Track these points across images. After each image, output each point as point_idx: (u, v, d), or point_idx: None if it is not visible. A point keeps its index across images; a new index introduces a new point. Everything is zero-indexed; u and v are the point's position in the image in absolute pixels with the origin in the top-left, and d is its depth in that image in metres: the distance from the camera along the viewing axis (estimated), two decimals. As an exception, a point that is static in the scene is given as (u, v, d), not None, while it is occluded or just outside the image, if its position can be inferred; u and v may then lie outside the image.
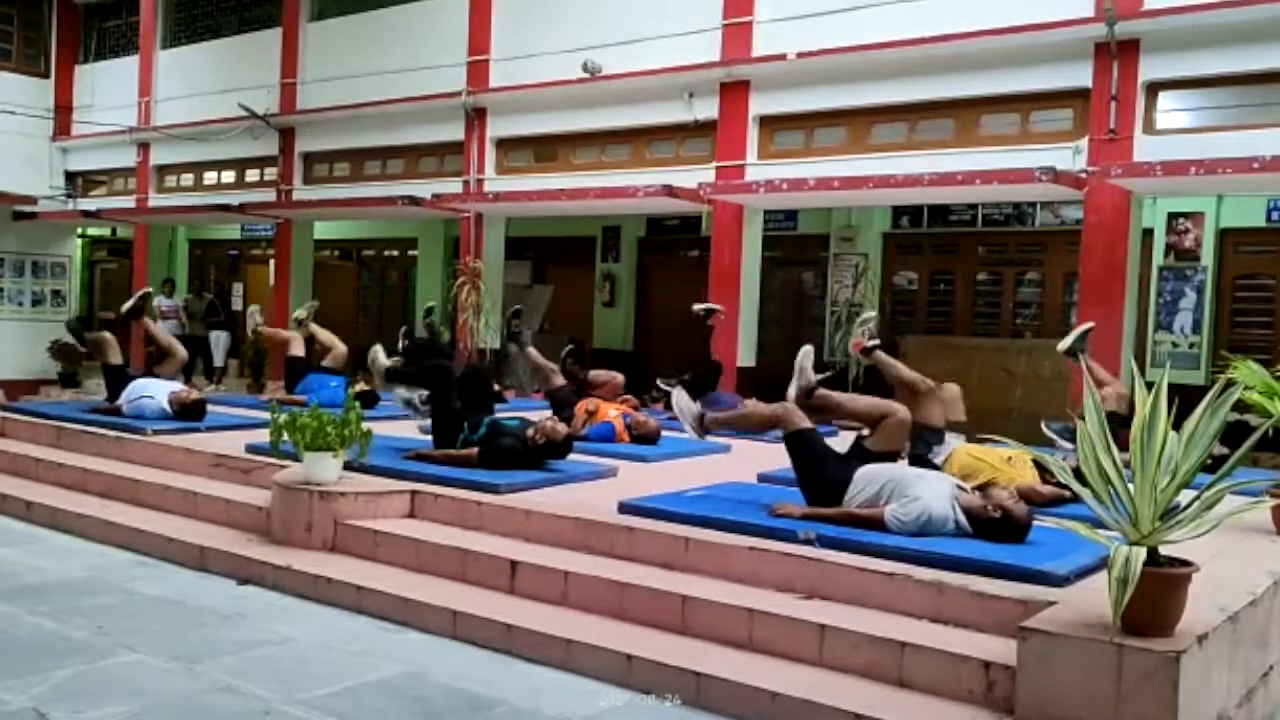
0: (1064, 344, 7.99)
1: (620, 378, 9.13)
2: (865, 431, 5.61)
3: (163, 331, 9.79)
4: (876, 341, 6.74)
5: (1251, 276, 10.97)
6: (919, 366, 6.73)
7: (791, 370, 5.79)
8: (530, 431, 6.54)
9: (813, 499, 5.30)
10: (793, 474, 6.09)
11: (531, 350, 9.32)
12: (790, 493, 5.75)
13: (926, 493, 4.92)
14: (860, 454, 5.45)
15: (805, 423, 5.45)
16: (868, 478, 5.16)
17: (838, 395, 5.71)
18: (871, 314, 7.15)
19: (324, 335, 10.52)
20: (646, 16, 12.29)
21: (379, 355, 7.85)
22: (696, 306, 10.54)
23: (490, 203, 13.30)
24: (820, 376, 5.71)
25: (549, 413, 8.29)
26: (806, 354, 5.76)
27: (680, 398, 6.06)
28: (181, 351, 9.50)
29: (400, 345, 9.05)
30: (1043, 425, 8.09)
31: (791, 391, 5.72)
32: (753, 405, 5.94)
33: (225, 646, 4.67)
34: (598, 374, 9.16)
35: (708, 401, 9.80)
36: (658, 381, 10.79)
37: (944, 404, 6.46)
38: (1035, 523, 4.84)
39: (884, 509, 4.94)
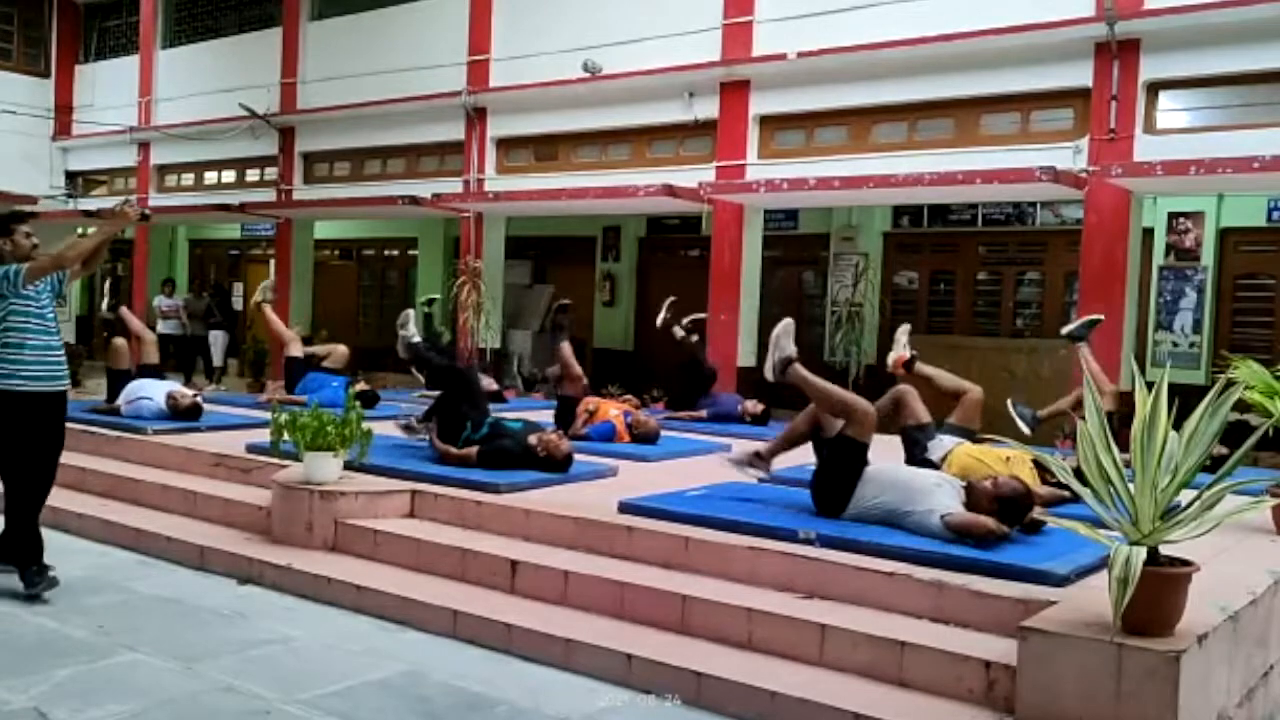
0: (1068, 328, 8.06)
1: (583, 380, 8.81)
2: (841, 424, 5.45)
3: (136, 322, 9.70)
4: (915, 353, 6.66)
5: (1252, 276, 10.97)
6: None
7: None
8: (533, 439, 6.51)
9: (821, 500, 5.27)
10: (793, 474, 6.09)
11: (566, 345, 9.17)
12: (791, 492, 5.75)
13: (942, 504, 4.87)
14: (848, 444, 5.37)
15: (869, 436, 5.24)
16: (879, 484, 5.11)
17: (813, 376, 5.52)
18: (907, 326, 7.01)
19: (276, 325, 10.59)
20: (646, 16, 12.30)
21: (410, 324, 7.73)
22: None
23: (490, 202, 13.30)
24: (795, 352, 5.51)
25: (551, 419, 8.27)
26: (786, 327, 5.56)
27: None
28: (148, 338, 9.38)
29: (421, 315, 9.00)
30: (1009, 403, 8.04)
31: (768, 366, 5.57)
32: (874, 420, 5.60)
33: (225, 646, 4.67)
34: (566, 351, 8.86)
35: (708, 404, 9.85)
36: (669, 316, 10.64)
37: (966, 406, 6.42)
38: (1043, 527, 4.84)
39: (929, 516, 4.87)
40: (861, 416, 5.24)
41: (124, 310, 9.71)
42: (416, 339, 7.77)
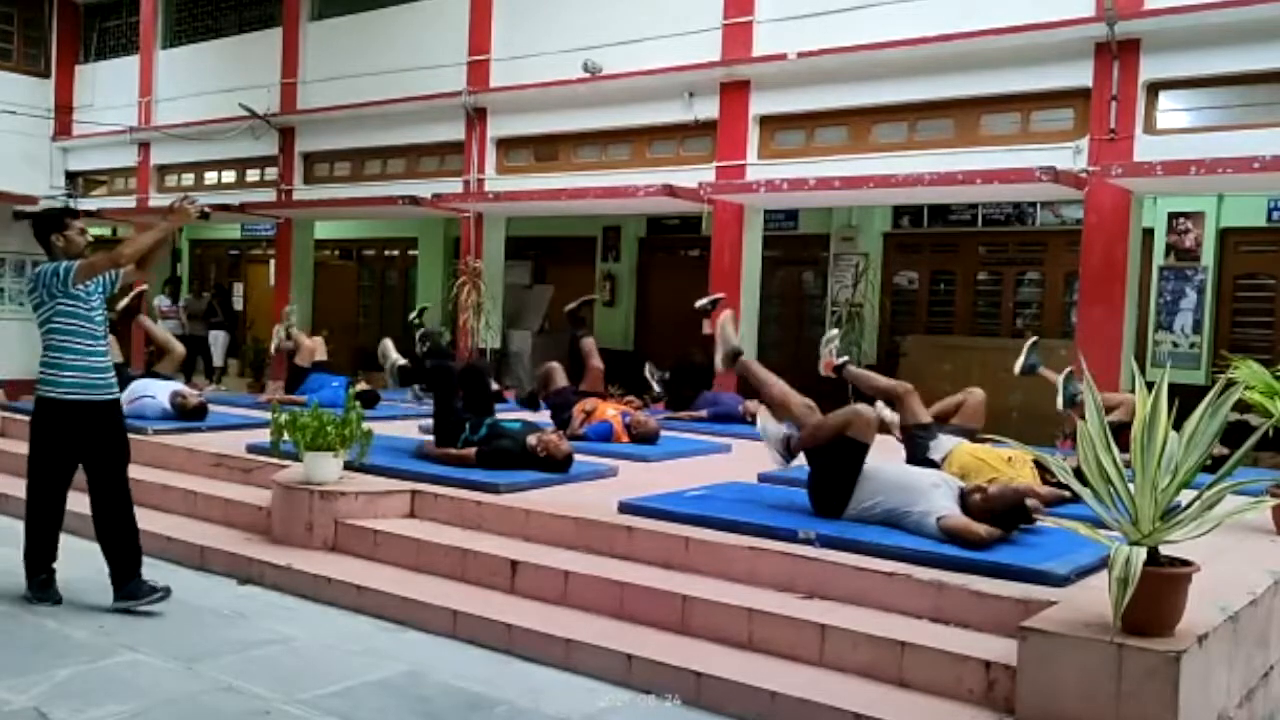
0: (1018, 366, 7.77)
1: (600, 366, 8.89)
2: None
3: (160, 329, 9.79)
4: (845, 359, 6.76)
5: (1252, 276, 10.97)
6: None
7: (790, 376, 5.78)
8: (533, 440, 6.51)
9: (819, 503, 5.28)
10: (793, 474, 6.08)
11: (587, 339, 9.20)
12: (791, 493, 5.75)
13: (940, 505, 4.88)
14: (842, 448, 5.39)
15: (871, 436, 5.22)
16: (878, 484, 5.12)
17: (760, 369, 5.75)
18: (835, 332, 7.14)
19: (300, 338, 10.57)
20: (646, 16, 12.28)
21: (390, 351, 7.81)
22: (699, 303, 10.32)
23: (490, 202, 13.30)
24: (739, 344, 5.84)
25: (549, 420, 8.26)
26: (727, 317, 5.93)
27: (766, 422, 5.69)
28: (179, 349, 9.42)
29: (418, 348, 8.98)
30: (1062, 378, 7.75)
31: (718, 358, 5.82)
32: (819, 416, 5.61)
33: (225, 646, 4.67)
34: (589, 344, 8.96)
35: (709, 404, 9.84)
36: (646, 369, 10.61)
37: (967, 408, 6.48)
38: (1036, 521, 4.84)
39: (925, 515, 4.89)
40: (800, 416, 5.42)
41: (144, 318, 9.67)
42: (400, 360, 7.79)
